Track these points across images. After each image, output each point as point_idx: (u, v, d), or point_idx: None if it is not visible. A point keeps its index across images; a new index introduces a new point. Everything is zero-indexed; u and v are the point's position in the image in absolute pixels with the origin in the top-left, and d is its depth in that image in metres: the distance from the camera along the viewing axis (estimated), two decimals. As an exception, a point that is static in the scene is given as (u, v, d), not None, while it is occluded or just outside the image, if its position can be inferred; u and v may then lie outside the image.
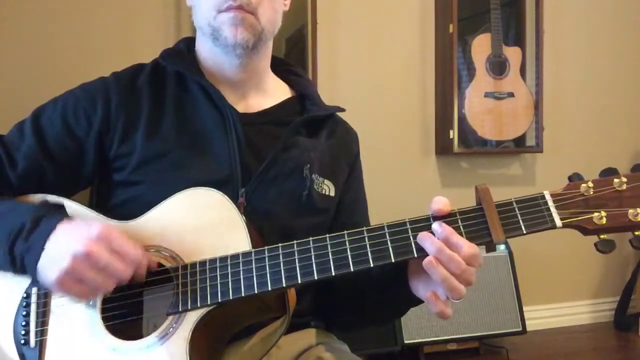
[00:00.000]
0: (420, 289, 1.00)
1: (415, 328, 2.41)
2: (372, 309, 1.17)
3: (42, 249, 0.93)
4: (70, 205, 1.06)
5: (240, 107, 1.18)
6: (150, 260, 0.97)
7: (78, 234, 0.92)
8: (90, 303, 0.99)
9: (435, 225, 0.93)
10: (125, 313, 1.00)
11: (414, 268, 1.00)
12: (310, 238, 0.96)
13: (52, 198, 1.08)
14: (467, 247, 0.91)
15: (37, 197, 1.08)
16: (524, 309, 2.58)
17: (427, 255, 0.92)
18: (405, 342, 2.39)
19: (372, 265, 0.93)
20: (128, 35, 2.28)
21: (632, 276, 3.02)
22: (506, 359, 2.55)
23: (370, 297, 1.14)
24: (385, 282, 1.08)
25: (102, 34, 2.25)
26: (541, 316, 2.96)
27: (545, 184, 2.86)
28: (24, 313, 1.00)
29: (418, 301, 1.04)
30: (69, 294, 0.94)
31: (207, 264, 0.97)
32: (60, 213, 1.00)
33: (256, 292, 0.94)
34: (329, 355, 1.15)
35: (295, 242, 0.96)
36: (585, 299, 3.12)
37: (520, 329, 2.55)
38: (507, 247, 2.60)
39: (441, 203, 0.94)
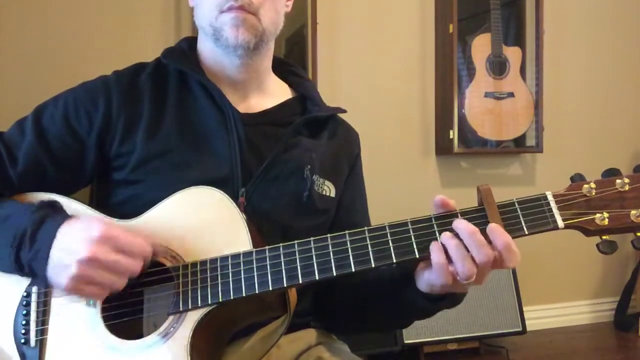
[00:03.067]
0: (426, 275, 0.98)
1: (415, 328, 2.41)
2: (375, 316, 1.17)
3: (47, 256, 0.93)
4: (69, 204, 1.06)
5: (242, 108, 1.18)
6: (155, 246, 0.97)
7: (80, 236, 0.92)
8: (91, 302, 0.99)
9: (456, 223, 0.92)
10: (125, 312, 0.99)
11: (419, 270, 1.00)
12: (312, 238, 0.96)
13: (49, 196, 1.07)
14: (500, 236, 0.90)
15: (34, 196, 1.08)
16: (524, 309, 2.58)
17: (429, 257, 0.92)
18: (405, 342, 2.40)
19: (373, 265, 0.93)
20: (128, 35, 2.29)
21: (632, 276, 3.02)
22: (506, 359, 2.55)
23: (375, 303, 1.14)
24: (390, 286, 1.07)
25: (102, 34, 2.25)
26: (541, 316, 2.96)
27: (545, 184, 2.88)
28: (24, 312, 1.00)
29: (422, 311, 1.04)
30: (83, 295, 0.95)
31: (208, 263, 0.97)
32: (59, 213, 1.00)
33: (257, 291, 0.94)
34: (329, 355, 1.15)
35: (296, 241, 0.96)
36: (585, 299, 3.12)
37: (520, 329, 2.55)
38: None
39: (443, 198, 0.94)
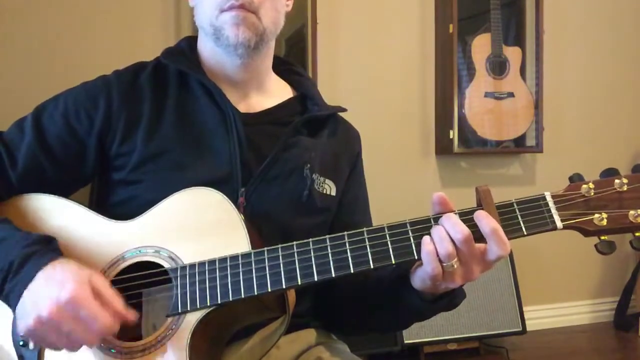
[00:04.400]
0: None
1: (415, 328, 2.41)
2: (374, 317, 1.17)
3: (20, 295, 0.92)
4: (69, 205, 1.06)
5: (242, 107, 1.18)
6: (130, 317, 0.93)
7: (49, 292, 0.89)
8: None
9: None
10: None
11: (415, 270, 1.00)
12: (310, 239, 0.96)
13: (52, 225, 1.05)
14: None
15: (35, 224, 1.06)
16: (524, 309, 2.58)
17: None
18: (405, 342, 2.40)
19: (372, 266, 0.93)
20: (128, 34, 2.29)
21: (632, 276, 3.02)
22: (506, 359, 2.55)
23: (373, 304, 1.14)
24: (390, 290, 1.07)
25: (102, 34, 2.25)
26: (541, 316, 2.96)
27: (545, 184, 2.87)
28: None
29: (421, 313, 1.04)
30: (37, 343, 0.95)
31: (207, 265, 0.97)
32: (48, 253, 0.96)
33: (256, 293, 0.94)
34: (328, 355, 1.15)
35: (295, 243, 0.96)
36: (585, 299, 3.12)
37: (520, 329, 2.55)
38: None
39: (442, 195, 0.95)
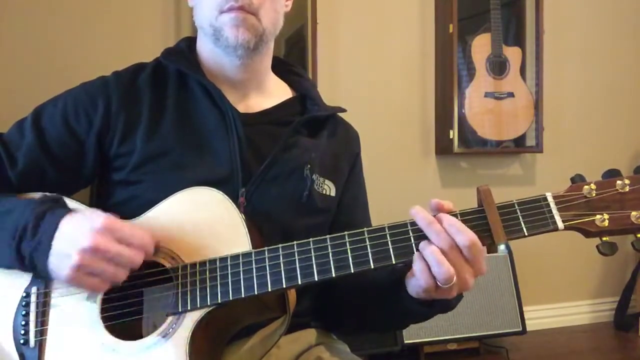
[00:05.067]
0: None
1: (415, 328, 2.41)
2: (373, 317, 1.17)
3: (49, 246, 0.93)
4: (69, 204, 1.06)
5: (241, 107, 1.18)
6: (156, 240, 0.97)
7: (83, 227, 0.92)
8: (90, 302, 0.99)
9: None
10: (125, 313, 0.99)
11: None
12: (311, 239, 0.96)
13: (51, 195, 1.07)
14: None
15: (36, 194, 1.08)
16: (524, 309, 2.58)
17: None
18: (405, 342, 2.40)
19: (372, 266, 0.93)
20: (128, 35, 2.29)
21: (632, 276, 3.02)
22: (506, 359, 2.55)
23: (373, 305, 1.14)
24: (389, 292, 1.07)
25: (102, 34, 2.25)
26: (541, 316, 2.96)
27: (545, 184, 2.88)
28: (24, 312, 1.00)
29: (420, 315, 1.04)
30: (84, 287, 0.95)
31: (207, 264, 0.97)
32: (61, 206, 1.00)
33: (256, 292, 0.94)
34: (328, 355, 1.15)
35: (295, 242, 0.96)
36: (585, 299, 3.12)
37: (520, 329, 2.55)
38: (507, 247, 2.61)
39: (438, 202, 0.94)
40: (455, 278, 0.90)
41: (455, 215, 0.94)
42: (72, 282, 0.93)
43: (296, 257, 0.95)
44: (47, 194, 1.05)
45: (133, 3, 2.31)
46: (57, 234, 0.93)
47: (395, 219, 0.97)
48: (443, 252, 0.90)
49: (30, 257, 0.95)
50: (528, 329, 2.58)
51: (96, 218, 0.93)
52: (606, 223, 0.91)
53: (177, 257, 0.99)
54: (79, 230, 0.92)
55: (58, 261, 0.93)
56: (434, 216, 0.93)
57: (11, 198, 1.04)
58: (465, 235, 0.90)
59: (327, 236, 0.96)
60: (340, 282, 1.12)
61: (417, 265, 0.92)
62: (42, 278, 0.99)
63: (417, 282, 0.94)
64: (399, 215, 0.98)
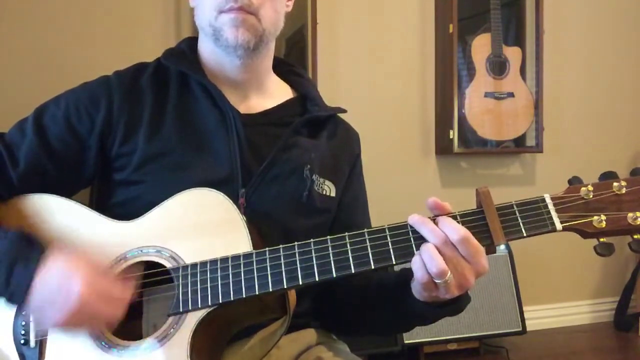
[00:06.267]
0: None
1: (415, 328, 2.40)
2: (375, 319, 1.17)
3: (24, 301, 0.94)
4: (69, 205, 1.07)
5: (242, 108, 1.18)
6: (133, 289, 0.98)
7: (55, 305, 0.92)
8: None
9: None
10: (125, 313, 0.99)
11: None
12: (312, 240, 0.96)
13: (30, 217, 1.06)
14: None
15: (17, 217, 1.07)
16: (524, 309, 2.58)
17: None
18: (405, 342, 2.40)
19: (373, 267, 0.93)
20: (129, 35, 2.29)
21: (632, 276, 3.02)
22: (506, 359, 2.55)
23: (375, 307, 1.14)
24: (393, 293, 1.07)
25: (103, 34, 2.25)
26: (541, 316, 2.96)
27: (545, 184, 2.88)
28: (24, 312, 1.00)
29: (421, 315, 1.04)
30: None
31: (208, 264, 0.97)
32: (30, 253, 0.97)
33: (257, 293, 0.94)
34: (329, 355, 1.15)
35: (296, 243, 0.96)
36: (585, 299, 3.12)
37: (520, 329, 2.55)
38: (507, 247, 2.60)
39: (436, 200, 0.95)
40: (449, 274, 0.90)
41: (454, 217, 0.94)
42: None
43: (297, 258, 0.95)
44: (17, 231, 1.01)
45: (133, 3, 2.31)
46: (31, 299, 0.94)
47: (395, 219, 0.97)
48: (438, 248, 0.91)
49: (8, 301, 0.97)
50: (528, 329, 2.58)
51: (71, 293, 0.91)
52: (603, 224, 0.92)
53: (178, 257, 1.00)
54: (53, 307, 0.93)
55: (36, 319, 0.98)
56: (434, 218, 0.93)
57: None
58: (456, 230, 0.91)
59: (328, 237, 0.96)
60: (341, 283, 1.12)
61: (414, 262, 0.93)
62: None
63: (415, 280, 0.95)
64: (399, 215, 0.98)
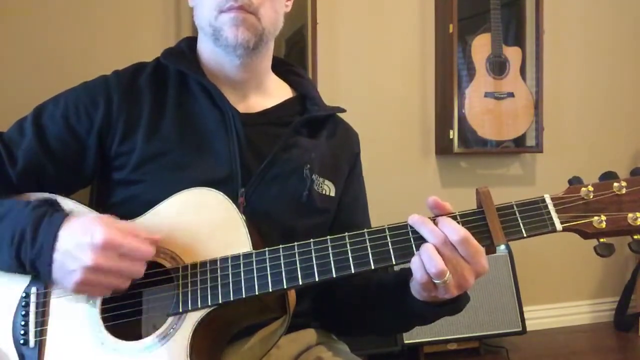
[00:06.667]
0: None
1: (415, 328, 2.40)
2: (375, 319, 1.17)
3: (50, 259, 0.94)
4: (68, 204, 1.06)
5: (241, 107, 1.18)
6: (157, 242, 0.98)
7: (83, 243, 0.93)
8: (90, 302, 0.99)
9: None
10: (125, 313, 0.99)
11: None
12: (312, 240, 0.96)
13: (47, 194, 1.07)
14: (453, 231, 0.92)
15: (32, 195, 1.08)
16: (524, 309, 2.58)
17: None
18: (405, 342, 2.40)
19: (373, 267, 0.93)
20: (128, 34, 2.29)
21: (632, 276, 3.02)
22: (506, 359, 2.55)
23: (375, 307, 1.14)
24: (393, 293, 1.08)
25: (103, 34, 2.25)
26: (541, 316, 2.96)
27: (545, 184, 2.88)
28: (23, 313, 1.00)
29: (420, 314, 1.04)
30: (88, 294, 0.98)
31: (208, 264, 0.97)
32: (56, 210, 1.00)
33: (257, 293, 0.94)
34: (328, 355, 1.15)
35: (296, 243, 0.96)
36: (585, 299, 3.12)
37: (520, 329, 2.55)
38: (507, 247, 2.60)
39: (436, 199, 0.95)
40: (448, 274, 0.90)
41: (454, 217, 0.94)
42: (75, 292, 0.96)
43: (297, 258, 0.95)
44: (42, 195, 1.05)
45: (133, 3, 2.30)
46: (57, 246, 0.94)
47: (395, 219, 0.97)
48: (437, 248, 0.91)
49: (31, 265, 0.96)
50: (528, 329, 2.58)
51: (96, 232, 0.93)
52: (603, 225, 0.92)
53: (178, 257, 1.00)
54: (80, 246, 0.93)
55: (62, 274, 0.95)
56: (434, 219, 0.94)
57: (4, 201, 1.04)
58: (455, 231, 0.91)
59: (328, 237, 0.96)
60: (341, 283, 1.12)
61: (413, 262, 0.93)
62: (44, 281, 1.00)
63: (414, 279, 0.95)
64: (399, 215, 0.98)
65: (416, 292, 0.99)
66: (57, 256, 0.94)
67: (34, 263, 0.96)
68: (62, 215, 0.98)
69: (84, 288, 0.95)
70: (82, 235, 0.93)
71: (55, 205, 1.02)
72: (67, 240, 0.94)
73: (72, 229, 0.95)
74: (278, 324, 1.07)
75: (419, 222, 0.94)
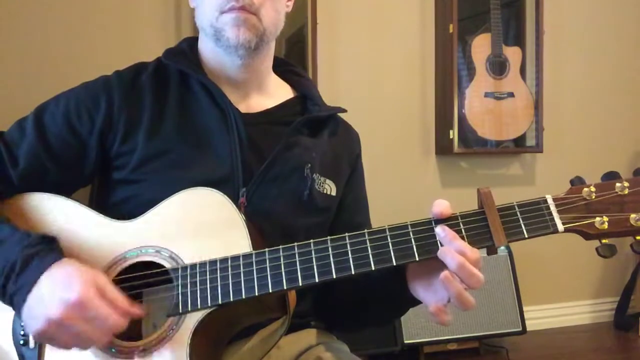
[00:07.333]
0: (420, 291, 0.99)
1: (415, 328, 2.41)
2: (372, 311, 1.17)
3: (25, 298, 0.92)
4: (68, 204, 1.06)
5: (242, 107, 1.18)
6: (137, 312, 0.95)
7: (56, 294, 0.90)
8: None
9: (438, 229, 0.93)
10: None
11: (412, 270, 1.00)
12: (312, 240, 0.96)
13: (51, 228, 1.05)
14: (470, 252, 0.90)
15: (36, 222, 1.06)
16: (524, 309, 2.58)
17: (429, 260, 0.92)
18: (405, 342, 2.40)
19: (373, 268, 0.93)
20: (129, 35, 2.29)
21: (632, 276, 3.02)
22: (506, 359, 2.55)
23: (370, 299, 1.14)
24: (384, 284, 1.08)
25: (103, 34, 2.25)
26: (541, 316, 2.97)
27: (545, 184, 2.88)
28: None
29: (417, 302, 1.04)
30: (48, 344, 0.97)
31: (208, 265, 0.97)
32: (50, 253, 0.96)
33: (257, 294, 0.94)
34: (329, 355, 1.15)
35: (296, 244, 0.96)
36: (585, 299, 3.12)
37: (520, 329, 2.55)
38: (507, 247, 2.61)
39: (442, 206, 0.94)
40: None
41: (455, 218, 0.94)
42: (35, 340, 0.96)
43: (297, 259, 0.95)
44: (44, 232, 1.02)
45: (133, 3, 2.30)
46: (35, 289, 0.92)
47: (395, 219, 0.97)
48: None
49: (9, 298, 0.95)
50: (528, 329, 2.58)
51: (74, 287, 0.90)
52: (605, 225, 0.91)
53: (177, 257, 0.99)
54: (52, 297, 0.90)
55: (28, 317, 0.93)
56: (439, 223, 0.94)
57: (7, 227, 1.01)
58: (472, 255, 0.91)
59: (328, 237, 0.96)
60: (341, 282, 1.12)
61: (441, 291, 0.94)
62: None
63: (431, 311, 0.96)
64: (399, 215, 0.98)
65: (414, 293, 0.99)
66: (30, 299, 0.92)
67: (12, 297, 0.94)
68: (53, 259, 0.95)
69: (42, 337, 0.93)
70: (60, 286, 0.91)
71: (52, 244, 0.99)
72: (45, 286, 0.92)
73: (54, 277, 0.93)
74: (278, 324, 1.07)
75: (457, 262, 0.91)
